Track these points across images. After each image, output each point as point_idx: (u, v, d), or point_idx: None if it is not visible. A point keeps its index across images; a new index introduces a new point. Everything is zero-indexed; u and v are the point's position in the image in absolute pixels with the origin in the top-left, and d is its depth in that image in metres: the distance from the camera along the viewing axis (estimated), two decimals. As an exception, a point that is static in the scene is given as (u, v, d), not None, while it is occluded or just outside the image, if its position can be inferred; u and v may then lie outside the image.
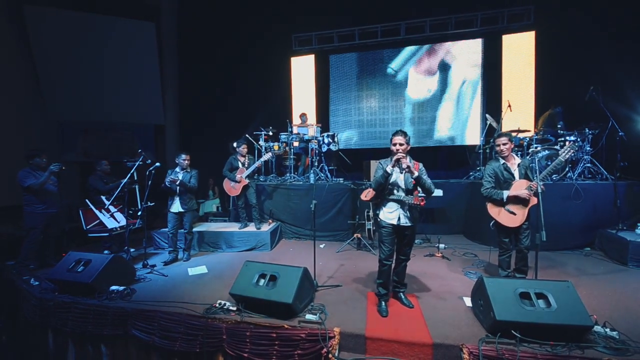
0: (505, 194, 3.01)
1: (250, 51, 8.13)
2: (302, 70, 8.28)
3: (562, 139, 4.89)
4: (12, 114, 6.29)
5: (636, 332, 2.29)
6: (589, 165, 4.87)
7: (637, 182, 4.66)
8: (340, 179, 6.07)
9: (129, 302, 3.00)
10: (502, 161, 3.14)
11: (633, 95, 5.58)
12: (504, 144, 3.09)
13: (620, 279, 3.45)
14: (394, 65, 7.76)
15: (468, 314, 2.67)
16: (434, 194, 2.86)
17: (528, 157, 4.77)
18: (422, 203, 2.68)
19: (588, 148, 4.87)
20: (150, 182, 3.99)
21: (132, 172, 4.21)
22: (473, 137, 7.28)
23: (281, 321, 2.53)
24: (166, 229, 4.37)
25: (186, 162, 4.31)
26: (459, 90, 7.44)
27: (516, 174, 3.07)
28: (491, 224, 3.19)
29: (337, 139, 6.17)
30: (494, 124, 5.72)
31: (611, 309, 2.73)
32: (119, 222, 4.45)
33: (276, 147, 6.10)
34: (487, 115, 5.97)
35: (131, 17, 7.48)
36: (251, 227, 5.14)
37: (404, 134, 2.73)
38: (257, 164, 5.04)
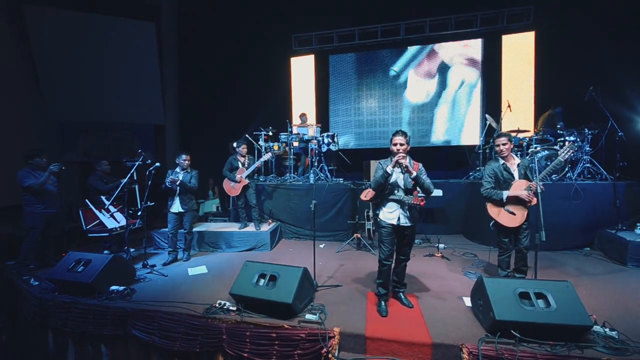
0: (505, 194, 3.02)
1: (250, 51, 8.14)
2: (302, 70, 8.28)
3: (562, 139, 4.90)
4: (12, 114, 6.29)
5: (635, 332, 2.30)
6: (588, 165, 4.87)
7: (636, 182, 4.67)
8: (340, 179, 6.07)
9: (129, 302, 3.00)
10: (501, 161, 3.15)
11: (633, 95, 5.59)
12: (503, 144, 3.10)
13: (619, 279, 3.46)
14: (397, 67, 7.75)
15: (468, 314, 2.67)
16: (433, 194, 2.87)
17: (527, 157, 4.78)
18: (421, 203, 2.68)
19: (587, 148, 4.88)
20: (150, 182, 4.00)
21: (132, 172, 4.21)
22: (472, 137, 7.29)
23: (281, 321, 2.53)
24: (166, 229, 4.37)
25: (186, 162, 4.31)
26: (458, 91, 7.44)
27: (516, 174, 3.08)
28: (491, 224, 3.19)
29: (336, 139, 6.17)
30: (494, 124, 5.73)
31: (610, 308, 2.73)
32: (118, 222, 4.45)
33: (276, 147, 6.11)
34: (487, 116, 5.97)
35: (131, 17, 7.48)
36: (251, 227, 5.14)
37: (404, 134, 2.74)
38: (257, 164, 5.05)
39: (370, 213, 4.83)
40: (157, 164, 4.09)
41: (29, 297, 3.26)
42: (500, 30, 7.03)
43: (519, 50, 6.95)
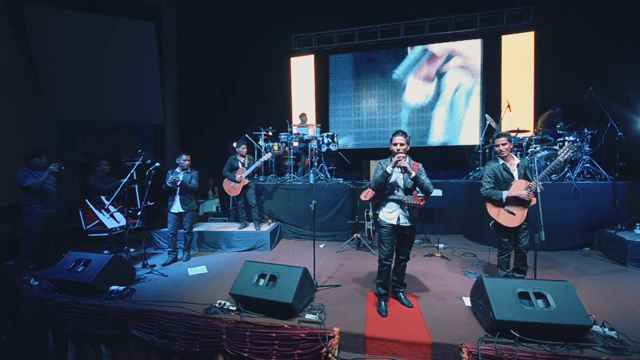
0: (505, 194, 3.02)
1: (250, 51, 8.14)
2: (302, 70, 8.28)
3: (562, 139, 4.90)
4: (12, 114, 6.29)
5: (635, 332, 2.30)
6: (588, 165, 4.88)
7: (635, 182, 4.67)
8: (340, 179, 6.08)
9: (128, 302, 3.00)
10: (501, 161, 3.15)
11: (632, 95, 5.59)
12: (503, 144, 3.10)
13: (619, 279, 3.46)
14: (398, 71, 7.75)
15: (467, 314, 2.68)
16: (433, 194, 2.87)
17: (527, 157, 4.78)
18: (421, 203, 2.68)
19: (587, 148, 4.88)
20: (150, 182, 4.00)
21: (132, 172, 4.22)
22: (472, 137, 7.29)
23: (281, 321, 2.54)
24: (166, 229, 4.37)
25: (187, 162, 4.31)
26: (458, 92, 7.44)
27: (515, 174, 3.08)
28: (490, 224, 3.20)
29: (336, 139, 6.17)
30: (494, 124, 5.74)
31: (610, 308, 2.74)
32: (118, 222, 4.45)
33: (276, 147, 6.11)
34: (487, 116, 5.98)
35: (131, 17, 7.48)
36: (251, 227, 5.14)
37: (404, 134, 2.74)
38: (257, 164, 5.05)
39: (370, 213, 4.83)
40: (157, 164, 4.10)
41: (29, 297, 3.26)
42: (500, 31, 7.03)
43: (519, 51, 6.95)
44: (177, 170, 4.31)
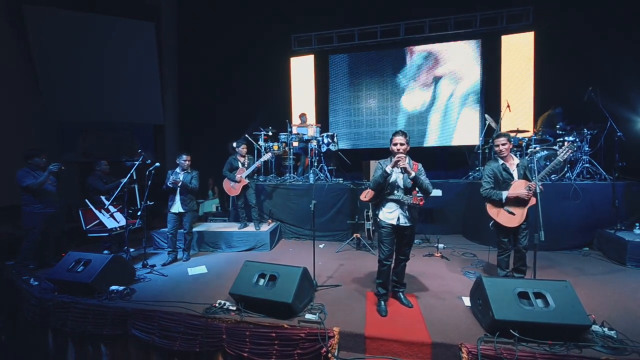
0: (505, 194, 3.03)
1: (250, 51, 8.14)
2: (302, 70, 8.29)
3: (561, 139, 4.91)
4: (12, 114, 6.29)
5: (634, 332, 2.31)
6: (587, 165, 4.88)
7: (635, 182, 4.67)
8: (340, 179, 6.08)
9: (128, 302, 3.00)
10: (500, 161, 3.15)
11: (632, 95, 5.60)
12: (502, 144, 3.11)
13: (618, 279, 3.47)
14: (399, 74, 7.77)
15: (467, 314, 2.68)
16: (433, 194, 2.87)
17: (527, 157, 4.79)
18: (421, 203, 2.69)
19: (587, 148, 4.89)
20: (150, 182, 4.00)
21: (131, 172, 4.22)
22: (472, 137, 7.29)
23: (281, 321, 2.54)
24: (166, 229, 4.37)
25: (187, 162, 4.31)
26: (459, 93, 7.44)
27: (515, 174, 3.08)
28: (490, 224, 3.20)
29: (336, 139, 6.18)
30: (493, 124, 5.74)
31: (609, 308, 2.74)
32: (118, 222, 4.46)
33: (276, 147, 6.11)
34: (487, 116, 5.98)
35: (131, 17, 7.48)
36: (251, 227, 5.15)
37: (405, 134, 2.75)
38: (256, 164, 5.05)
39: (370, 213, 4.84)
40: (157, 164, 4.10)
41: (29, 297, 3.26)
42: (499, 31, 7.03)
43: (519, 51, 6.96)
44: (177, 170, 4.31)
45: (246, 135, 5.99)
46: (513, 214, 3.02)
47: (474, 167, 6.01)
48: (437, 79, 7.56)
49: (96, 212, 4.41)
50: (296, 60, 8.30)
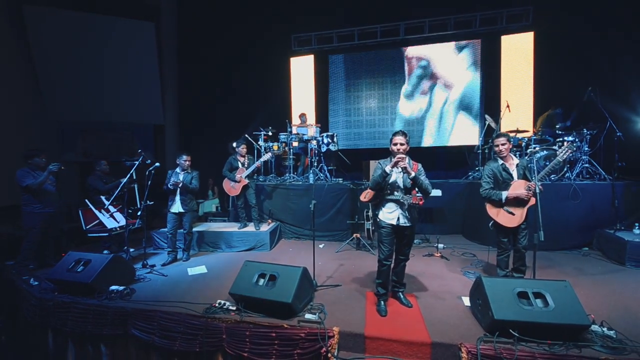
0: (504, 194, 3.03)
1: (250, 51, 8.14)
2: (302, 70, 8.29)
3: (561, 139, 4.91)
4: (12, 114, 6.29)
5: (633, 332, 2.31)
6: (587, 165, 4.89)
7: (634, 182, 4.68)
8: (340, 179, 6.09)
9: (128, 301, 3.00)
10: (500, 162, 3.16)
11: (631, 95, 5.60)
12: (502, 144, 3.11)
13: (618, 279, 3.47)
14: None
15: (466, 314, 2.69)
16: (432, 194, 2.87)
17: (526, 157, 4.79)
18: (420, 202, 2.70)
19: (586, 148, 4.89)
20: (149, 182, 4.00)
21: (131, 172, 4.22)
22: (471, 137, 7.30)
23: (281, 321, 2.54)
24: (165, 229, 4.37)
25: (187, 163, 4.31)
26: (459, 92, 7.45)
27: (515, 175, 3.09)
28: (490, 224, 3.20)
29: (336, 139, 6.18)
30: (493, 124, 5.74)
31: (609, 308, 2.75)
32: (118, 222, 4.46)
33: (275, 147, 6.11)
34: (486, 116, 5.99)
35: (131, 17, 7.48)
36: (250, 227, 5.15)
37: (405, 134, 2.75)
38: (256, 164, 5.05)
39: (370, 213, 4.84)
40: (157, 164, 4.10)
41: (29, 297, 3.26)
42: (499, 31, 7.04)
43: (518, 51, 6.96)
44: (178, 170, 4.31)
45: (246, 135, 6.00)
46: (513, 214, 3.03)
47: (473, 167, 6.02)
48: (433, 86, 7.58)
49: (96, 212, 4.41)
50: (296, 60, 8.30)
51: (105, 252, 4.25)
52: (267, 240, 4.86)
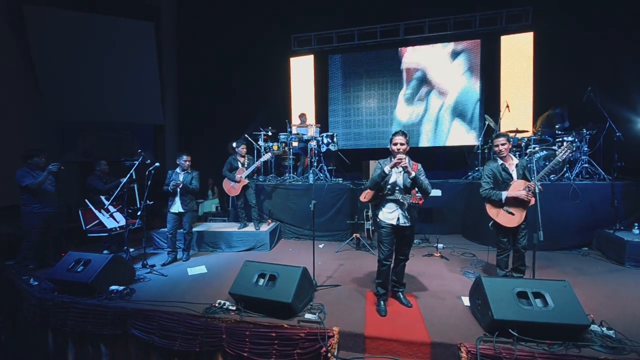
0: (504, 194, 3.03)
1: (250, 51, 8.14)
2: (302, 70, 8.29)
3: (560, 139, 4.92)
4: (12, 114, 6.29)
5: (632, 331, 2.31)
6: (586, 165, 4.89)
7: (634, 182, 4.69)
8: (339, 179, 6.09)
9: (128, 301, 3.00)
10: (500, 162, 3.16)
11: (631, 96, 5.61)
12: (502, 144, 3.11)
13: (617, 279, 3.48)
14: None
15: (466, 313, 2.69)
16: (432, 194, 2.88)
17: (526, 157, 4.79)
18: (420, 202, 2.71)
19: (586, 148, 4.89)
20: (149, 182, 4.00)
21: (131, 172, 4.22)
22: (471, 137, 7.31)
23: (280, 320, 2.54)
24: (165, 229, 4.37)
25: (187, 163, 4.31)
26: (459, 91, 7.46)
27: (514, 175, 3.09)
28: (490, 224, 3.21)
29: (336, 139, 6.18)
30: (493, 124, 5.75)
31: (608, 308, 2.75)
32: (118, 222, 4.46)
33: (275, 147, 6.11)
34: (486, 116, 5.99)
35: (131, 17, 7.48)
36: (250, 227, 5.15)
37: (405, 134, 2.76)
38: (256, 164, 5.06)
39: (370, 213, 4.84)
40: (157, 164, 4.10)
41: (29, 297, 3.26)
42: (499, 31, 7.04)
43: (518, 51, 6.97)
44: (178, 170, 4.31)
45: (246, 135, 6.00)
46: (512, 214, 3.03)
47: (473, 167, 6.02)
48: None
49: (96, 212, 4.41)
50: (296, 61, 8.30)
51: (105, 252, 4.25)
52: (267, 240, 4.86)
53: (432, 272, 3.78)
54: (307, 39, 8.05)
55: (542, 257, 4.04)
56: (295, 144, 6.09)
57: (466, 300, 2.86)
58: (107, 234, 4.43)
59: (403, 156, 2.68)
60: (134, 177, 4.32)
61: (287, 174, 6.08)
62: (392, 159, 2.71)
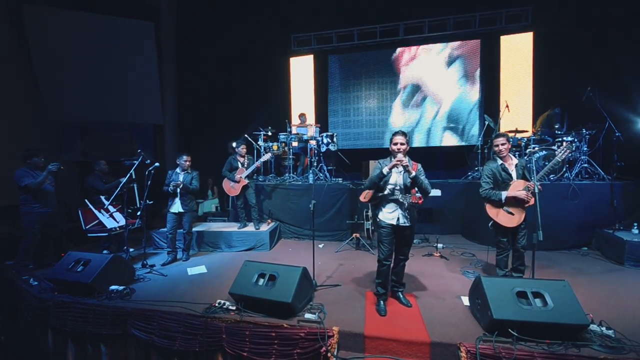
0: (504, 194, 3.03)
1: (250, 51, 8.14)
2: (301, 70, 8.29)
3: (560, 139, 4.92)
4: (12, 114, 6.28)
5: (632, 331, 2.32)
6: (586, 165, 4.90)
7: (633, 182, 4.69)
8: (339, 179, 6.09)
9: (128, 301, 3.01)
10: (499, 162, 3.16)
11: (630, 96, 5.61)
12: (502, 144, 3.11)
13: (616, 279, 3.48)
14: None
15: (466, 313, 2.69)
16: (432, 194, 2.88)
17: (525, 157, 4.80)
18: (420, 201, 2.71)
19: (585, 148, 4.90)
20: (149, 182, 4.00)
21: (130, 171, 4.21)
22: (471, 137, 7.31)
23: (280, 320, 2.55)
24: (165, 229, 4.37)
25: (187, 163, 4.31)
26: (458, 91, 7.46)
27: (514, 175, 3.10)
28: (489, 224, 3.21)
29: (335, 139, 6.19)
30: (492, 124, 5.75)
31: (607, 308, 2.76)
32: (118, 222, 4.46)
33: (275, 147, 6.11)
34: (486, 116, 6.00)
35: (130, 16, 7.47)
36: (250, 227, 5.15)
37: (405, 134, 2.77)
38: (256, 164, 5.06)
39: (369, 213, 4.84)
40: (157, 163, 4.10)
41: (29, 297, 3.26)
42: (498, 31, 7.04)
43: (518, 51, 6.97)
44: (178, 170, 4.31)
45: (246, 135, 6.00)
46: (512, 214, 3.04)
47: (473, 167, 6.03)
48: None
49: (96, 212, 4.41)
50: (296, 60, 8.30)
51: (105, 252, 4.25)
52: (266, 240, 4.86)
53: (432, 272, 3.78)
54: (307, 39, 8.05)
55: (541, 257, 4.05)
56: (295, 144, 6.09)
57: (466, 300, 2.86)
58: (106, 234, 4.43)
59: (402, 158, 2.68)
60: (133, 177, 4.31)
61: (286, 174, 6.08)
62: (392, 159, 2.72)
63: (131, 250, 4.30)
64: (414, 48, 7.62)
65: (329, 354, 2.30)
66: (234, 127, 7.43)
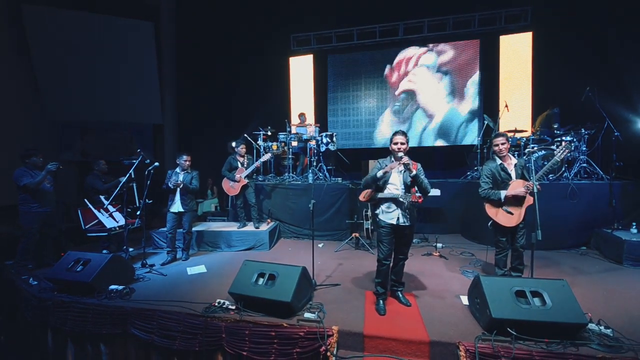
0: (503, 194, 3.04)
1: (250, 51, 8.14)
2: (301, 70, 8.29)
3: (559, 139, 4.93)
4: (11, 114, 6.28)
5: (630, 330, 2.33)
6: (584, 165, 4.91)
7: (632, 181, 4.70)
8: (339, 178, 6.08)
9: (128, 301, 3.01)
10: (499, 161, 3.17)
11: (630, 95, 5.62)
12: (502, 144, 3.12)
13: (615, 278, 3.49)
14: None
15: (465, 312, 2.70)
16: (431, 194, 2.88)
17: (524, 157, 4.80)
18: (419, 200, 2.71)
19: (584, 148, 4.91)
20: (149, 181, 4.00)
21: (130, 171, 4.21)
22: (470, 137, 7.32)
23: (280, 320, 2.55)
24: (165, 229, 4.37)
25: (187, 163, 4.31)
26: (458, 90, 7.47)
27: (513, 174, 3.10)
28: (489, 224, 3.22)
29: (335, 139, 6.19)
30: (492, 124, 5.76)
31: (606, 307, 2.76)
32: (117, 222, 4.46)
33: (275, 147, 6.11)
34: (485, 116, 6.00)
35: (130, 16, 7.48)
36: (250, 227, 5.15)
37: (404, 134, 2.77)
38: (256, 164, 5.06)
39: (369, 212, 4.85)
40: (156, 163, 4.10)
41: (28, 296, 3.26)
42: (498, 31, 7.06)
43: (517, 51, 6.98)
44: (177, 170, 4.31)
45: (245, 135, 6.00)
46: (511, 214, 3.04)
47: (472, 167, 6.04)
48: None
49: (95, 211, 4.41)
50: (295, 60, 8.30)
51: (105, 251, 4.25)
52: (266, 240, 4.87)
53: (431, 271, 3.79)
54: (307, 39, 8.06)
55: (540, 256, 4.04)
56: (294, 143, 6.09)
57: (465, 299, 2.87)
58: (106, 234, 4.43)
59: (401, 157, 2.68)
60: (133, 176, 4.31)
61: (286, 174, 6.08)
62: (392, 158, 2.72)
63: (131, 249, 4.31)
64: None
65: (328, 353, 2.30)
66: (233, 126, 7.44)
